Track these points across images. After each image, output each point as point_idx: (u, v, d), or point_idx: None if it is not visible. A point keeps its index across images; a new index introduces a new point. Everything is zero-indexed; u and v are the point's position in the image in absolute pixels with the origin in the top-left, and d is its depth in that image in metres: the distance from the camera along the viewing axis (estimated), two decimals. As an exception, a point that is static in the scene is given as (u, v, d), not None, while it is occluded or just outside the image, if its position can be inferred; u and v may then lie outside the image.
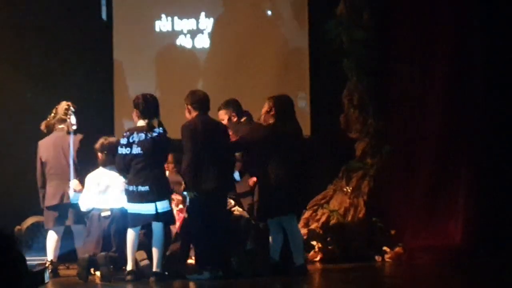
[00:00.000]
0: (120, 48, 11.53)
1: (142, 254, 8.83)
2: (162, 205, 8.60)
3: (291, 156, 8.77)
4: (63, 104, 9.34)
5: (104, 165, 9.06)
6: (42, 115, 10.90)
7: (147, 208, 8.57)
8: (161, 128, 8.65)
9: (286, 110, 8.91)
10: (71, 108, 9.35)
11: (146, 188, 8.55)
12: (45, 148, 9.29)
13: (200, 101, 8.81)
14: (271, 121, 8.89)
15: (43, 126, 9.44)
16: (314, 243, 10.29)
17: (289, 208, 8.76)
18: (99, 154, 9.10)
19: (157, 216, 8.59)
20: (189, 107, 8.81)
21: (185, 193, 8.87)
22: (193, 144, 8.61)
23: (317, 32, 11.10)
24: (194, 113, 8.78)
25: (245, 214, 9.16)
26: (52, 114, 9.38)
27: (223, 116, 9.33)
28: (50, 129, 9.38)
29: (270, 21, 11.40)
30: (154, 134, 8.61)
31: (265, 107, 8.91)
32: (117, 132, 10.77)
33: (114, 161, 8.84)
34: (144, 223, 8.68)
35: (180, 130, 8.70)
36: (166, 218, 8.68)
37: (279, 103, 8.90)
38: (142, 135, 8.60)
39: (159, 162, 8.73)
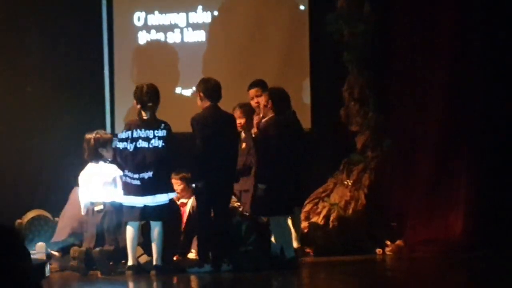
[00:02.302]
0: (120, 45, 11.49)
1: (139, 250, 8.84)
2: (161, 198, 8.64)
3: (295, 148, 8.81)
4: None
5: (92, 159, 9.10)
6: (41, 110, 10.93)
7: (143, 201, 8.61)
8: (165, 131, 8.66)
9: (283, 101, 8.93)
10: None
11: (150, 175, 8.56)
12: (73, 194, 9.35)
13: (211, 90, 8.85)
14: (270, 114, 8.91)
15: None
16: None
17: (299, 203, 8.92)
18: (89, 150, 9.13)
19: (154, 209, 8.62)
20: (201, 94, 8.87)
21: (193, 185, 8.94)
22: (202, 136, 8.68)
23: (317, 25, 11.08)
24: (205, 103, 8.83)
25: (245, 213, 9.16)
26: None
27: (257, 93, 9.34)
28: None
29: (269, 15, 11.36)
30: (160, 133, 8.63)
31: (262, 101, 8.93)
32: (117, 128, 10.78)
33: (102, 154, 8.97)
34: (141, 217, 8.69)
35: (190, 121, 8.78)
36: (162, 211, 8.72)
37: (275, 95, 8.93)
38: (148, 132, 8.62)
39: (164, 158, 8.73)
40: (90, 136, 9.17)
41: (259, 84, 9.57)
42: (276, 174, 8.72)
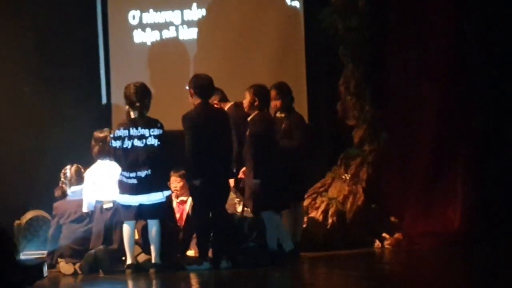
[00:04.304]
0: (116, 44, 11.50)
1: (137, 249, 8.84)
2: (156, 196, 8.64)
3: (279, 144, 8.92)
4: (75, 167, 9.33)
5: (100, 157, 9.10)
6: (38, 110, 10.93)
7: (138, 200, 8.60)
8: (161, 129, 8.65)
9: (268, 99, 9.02)
10: (82, 170, 9.36)
11: (148, 173, 8.56)
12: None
13: (202, 87, 8.82)
14: (255, 111, 8.95)
15: (58, 193, 9.42)
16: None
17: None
18: (96, 147, 9.13)
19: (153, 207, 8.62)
20: (191, 91, 8.84)
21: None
22: (194, 134, 8.66)
23: (312, 20, 11.09)
24: (196, 100, 8.80)
25: (248, 212, 9.17)
26: (62, 179, 9.36)
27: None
28: (64, 194, 9.38)
29: (265, 10, 11.37)
30: (156, 132, 8.63)
31: (248, 98, 8.96)
32: (114, 127, 10.78)
33: (109, 152, 8.89)
34: (138, 216, 8.69)
35: (181, 120, 8.74)
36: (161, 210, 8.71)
37: (260, 92, 8.96)
38: (143, 131, 8.61)
39: (159, 156, 8.73)
40: (105, 133, 9.15)
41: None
42: (267, 170, 8.74)
